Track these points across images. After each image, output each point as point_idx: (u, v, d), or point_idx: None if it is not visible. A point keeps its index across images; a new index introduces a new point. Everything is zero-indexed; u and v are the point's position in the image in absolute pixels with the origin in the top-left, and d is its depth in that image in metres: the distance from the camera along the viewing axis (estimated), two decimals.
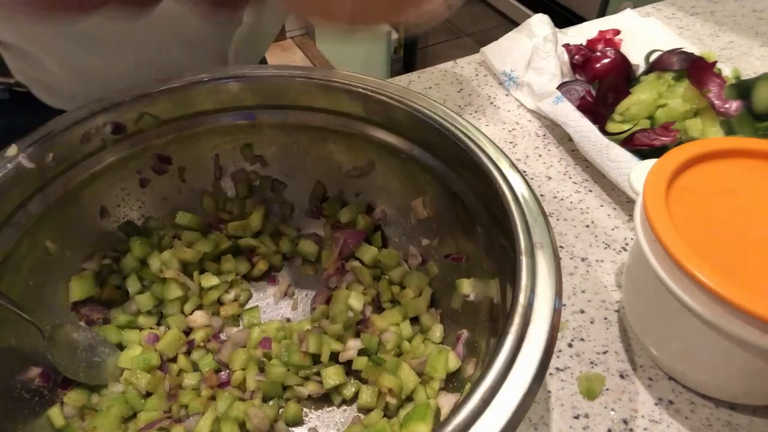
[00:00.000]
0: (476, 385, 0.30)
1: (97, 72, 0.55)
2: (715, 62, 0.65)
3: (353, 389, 0.46)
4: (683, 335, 0.42)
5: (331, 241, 0.56)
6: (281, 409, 0.46)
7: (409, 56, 2.27)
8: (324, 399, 0.46)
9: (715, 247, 0.39)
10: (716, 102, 0.61)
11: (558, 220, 0.60)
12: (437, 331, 0.48)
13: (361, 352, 0.46)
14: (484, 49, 0.81)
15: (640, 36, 0.81)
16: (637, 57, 0.74)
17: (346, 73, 0.51)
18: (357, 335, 0.48)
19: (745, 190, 0.43)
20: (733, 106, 0.61)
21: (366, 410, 0.45)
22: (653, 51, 0.74)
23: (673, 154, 0.44)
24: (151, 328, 0.50)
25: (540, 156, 0.68)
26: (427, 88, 0.77)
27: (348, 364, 0.46)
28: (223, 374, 0.47)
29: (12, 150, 0.44)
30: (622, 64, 0.71)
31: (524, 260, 0.36)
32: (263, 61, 0.76)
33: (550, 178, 0.65)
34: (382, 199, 0.56)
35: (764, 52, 0.83)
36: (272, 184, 0.57)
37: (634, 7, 0.91)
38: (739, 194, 0.42)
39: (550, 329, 0.33)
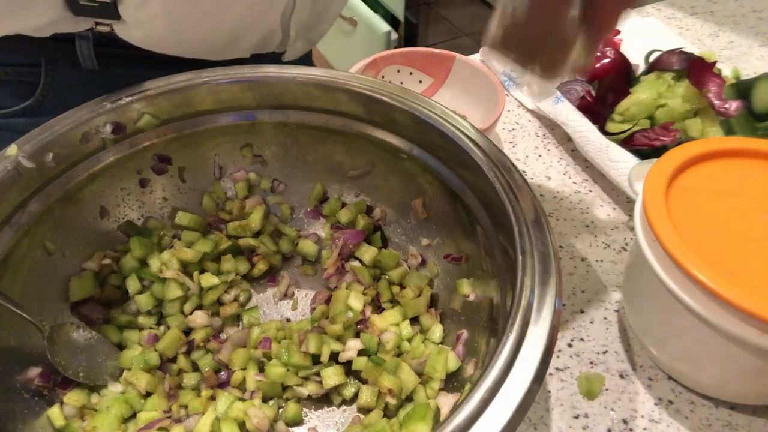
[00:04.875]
0: (476, 385, 0.30)
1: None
2: (715, 62, 0.65)
3: (353, 389, 0.46)
4: (683, 335, 0.42)
5: (331, 241, 0.56)
6: (281, 409, 0.46)
7: None
8: (324, 399, 0.46)
9: (714, 247, 0.39)
10: (716, 102, 0.61)
11: (558, 220, 0.60)
12: (437, 332, 0.48)
13: (361, 353, 0.46)
14: (484, 49, 0.81)
15: (640, 36, 0.81)
16: (636, 57, 0.74)
17: (346, 73, 0.51)
18: (357, 335, 0.48)
19: (745, 190, 0.43)
20: (733, 106, 0.61)
21: (366, 410, 0.45)
22: (653, 51, 0.74)
23: (673, 154, 0.44)
24: (150, 328, 0.50)
25: (540, 156, 0.68)
26: None
27: (348, 364, 0.46)
28: (223, 374, 0.47)
29: (12, 150, 0.44)
30: (622, 64, 0.71)
31: (524, 260, 0.36)
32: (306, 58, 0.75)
33: (550, 178, 0.65)
34: (382, 199, 0.56)
35: (764, 52, 0.83)
36: (272, 184, 0.57)
37: (634, 7, 0.91)
38: (739, 194, 0.42)
39: (550, 329, 0.33)
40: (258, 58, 0.61)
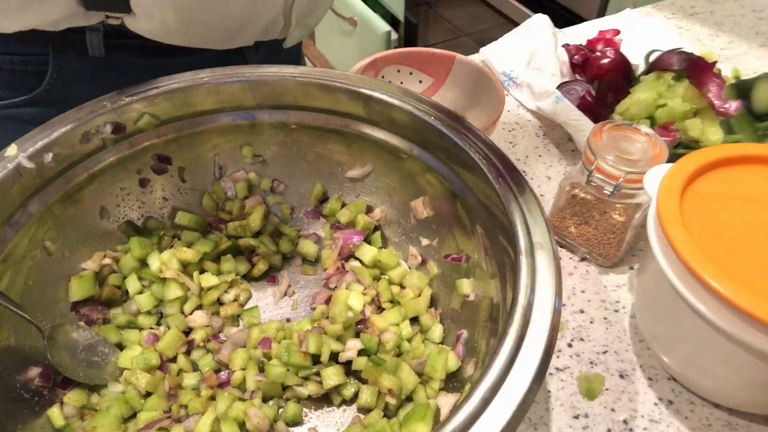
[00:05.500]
0: (476, 385, 0.30)
1: None
2: (715, 62, 0.65)
3: (353, 389, 0.46)
4: (694, 341, 0.41)
5: (331, 241, 0.56)
6: (281, 409, 0.46)
7: None
8: (324, 399, 0.46)
9: (728, 254, 0.38)
10: (716, 102, 0.61)
11: None
12: (437, 331, 0.48)
13: (361, 352, 0.46)
14: (484, 49, 0.81)
15: (640, 36, 0.81)
16: (636, 57, 0.74)
17: (346, 73, 0.51)
18: (357, 335, 0.48)
19: (759, 197, 0.42)
20: (733, 106, 0.61)
21: (366, 410, 0.45)
22: (653, 51, 0.74)
23: (687, 159, 0.44)
24: (150, 328, 0.50)
25: (540, 156, 0.68)
26: None
27: (348, 364, 0.46)
28: (223, 374, 0.47)
29: (12, 150, 0.44)
30: (622, 64, 0.71)
31: (524, 260, 0.36)
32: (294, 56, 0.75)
33: (550, 178, 0.65)
34: (382, 199, 0.56)
35: (764, 52, 0.83)
36: (272, 184, 0.57)
37: (634, 7, 0.91)
38: (754, 201, 0.42)
39: (550, 329, 0.33)
40: (260, 45, 0.62)
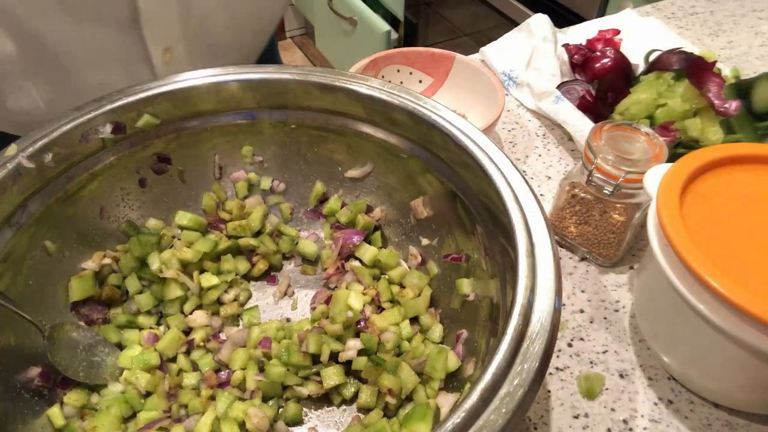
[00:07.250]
0: (476, 384, 0.30)
1: None
2: (715, 62, 0.65)
3: (353, 389, 0.46)
4: (694, 341, 0.41)
5: (331, 241, 0.56)
6: (281, 409, 0.46)
7: None
8: (324, 399, 0.46)
9: (728, 254, 0.38)
10: (716, 102, 0.61)
11: None
12: (437, 331, 0.48)
13: (361, 352, 0.46)
14: (484, 48, 0.81)
15: (639, 36, 0.81)
16: (636, 57, 0.74)
17: (346, 73, 0.51)
18: (357, 335, 0.48)
19: (759, 197, 0.42)
20: (733, 105, 0.61)
21: (366, 410, 0.45)
22: (653, 51, 0.74)
23: (687, 159, 0.44)
24: (150, 328, 0.50)
25: (540, 156, 0.68)
26: None
27: (348, 364, 0.46)
28: (223, 374, 0.47)
29: (12, 150, 0.44)
30: (622, 63, 0.71)
31: (524, 260, 0.36)
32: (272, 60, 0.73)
33: (550, 178, 0.65)
34: (382, 199, 0.56)
35: (764, 52, 0.83)
36: (272, 184, 0.57)
37: (634, 7, 0.91)
38: (754, 201, 0.42)
39: (550, 329, 0.33)
40: None
